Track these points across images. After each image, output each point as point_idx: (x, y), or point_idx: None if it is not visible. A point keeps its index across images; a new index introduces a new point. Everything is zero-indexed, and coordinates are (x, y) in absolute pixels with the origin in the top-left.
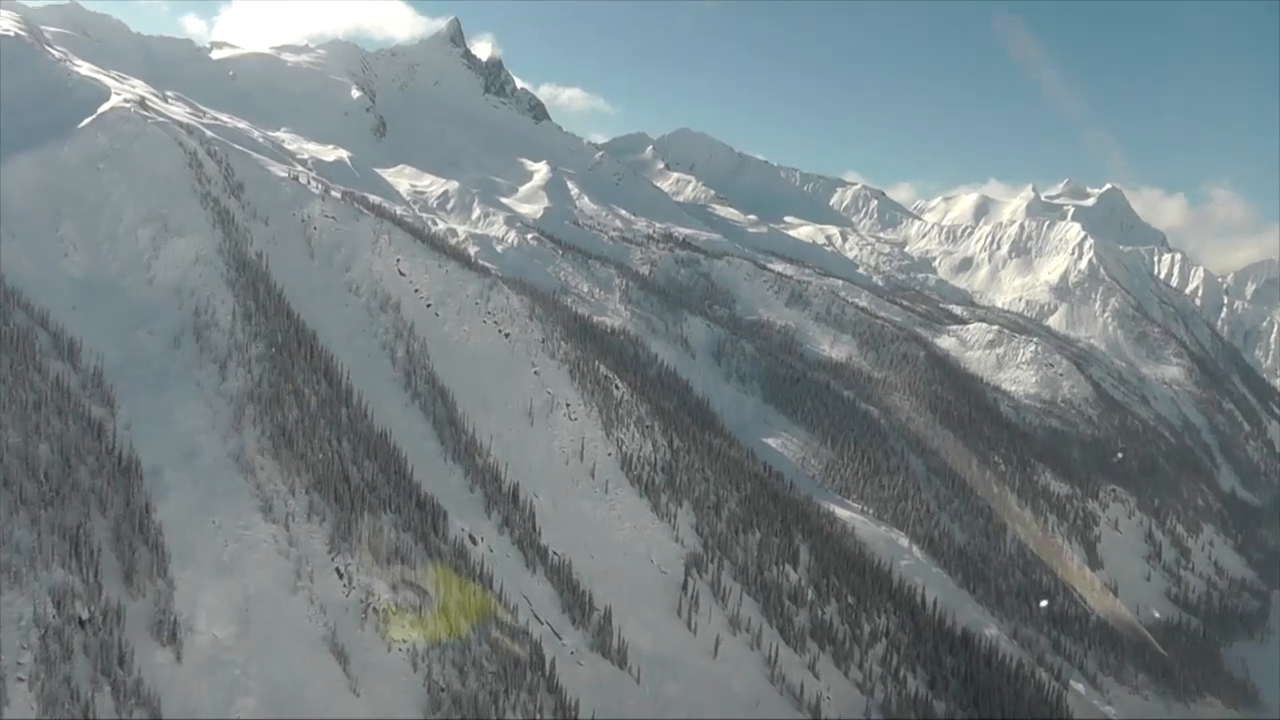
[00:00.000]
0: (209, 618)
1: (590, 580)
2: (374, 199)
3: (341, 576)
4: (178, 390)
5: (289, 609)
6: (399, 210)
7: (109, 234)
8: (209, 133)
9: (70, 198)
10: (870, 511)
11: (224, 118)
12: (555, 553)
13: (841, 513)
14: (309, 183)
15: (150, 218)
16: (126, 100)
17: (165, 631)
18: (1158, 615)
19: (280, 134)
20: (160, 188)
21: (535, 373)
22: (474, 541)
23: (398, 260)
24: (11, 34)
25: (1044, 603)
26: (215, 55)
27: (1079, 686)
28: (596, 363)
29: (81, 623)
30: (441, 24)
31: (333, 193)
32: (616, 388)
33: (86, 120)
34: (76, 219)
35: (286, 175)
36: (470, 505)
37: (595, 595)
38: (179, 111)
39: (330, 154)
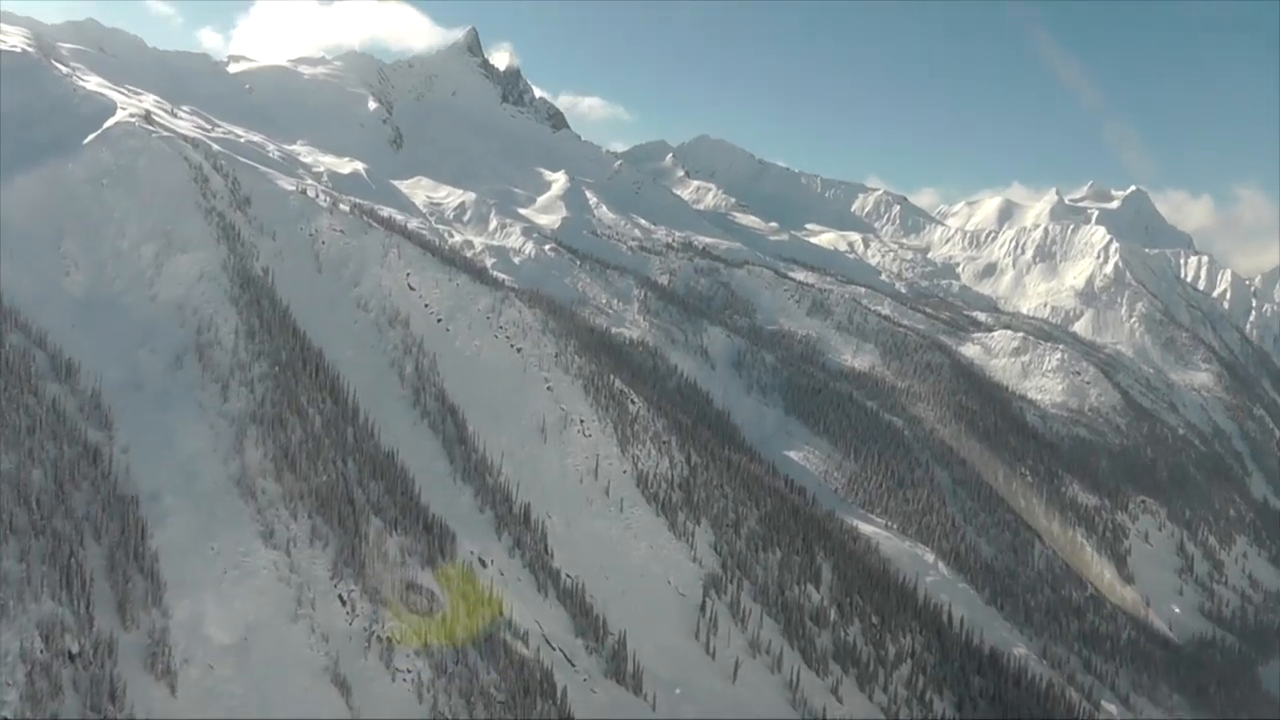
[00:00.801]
0: (206, 649)
1: (604, 603)
2: (389, 211)
3: (344, 604)
4: (178, 411)
5: (289, 638)
6: (415, 222)
7: (112, 251)
8: (216, 146)
9: (73, 214)
10: (894, 526)
11: (239, 131)
12: (568, 575)
13: (865, 528)
14: (317, 196)
15: (154, 234)
16: (132, 115)
17: (159, 664)
18: (1178, 610)
19: (296, 147)
20: (164, 203)
21: (548, 388)
22: (484, 564)
23: (407, 274)
24: (18, 49)
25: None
26: (232, 69)
27: (1111, 707)
28: (612, 377)
29: (71, 656)
30: (459, 34)
31: (341, 206)
32: (632, 402)
33: (91, 136)
34: (79, 236)
35: (294, 188)
36: (480, 526)
37: (609, 619)
38: (186, 125)
39: (346, 166)
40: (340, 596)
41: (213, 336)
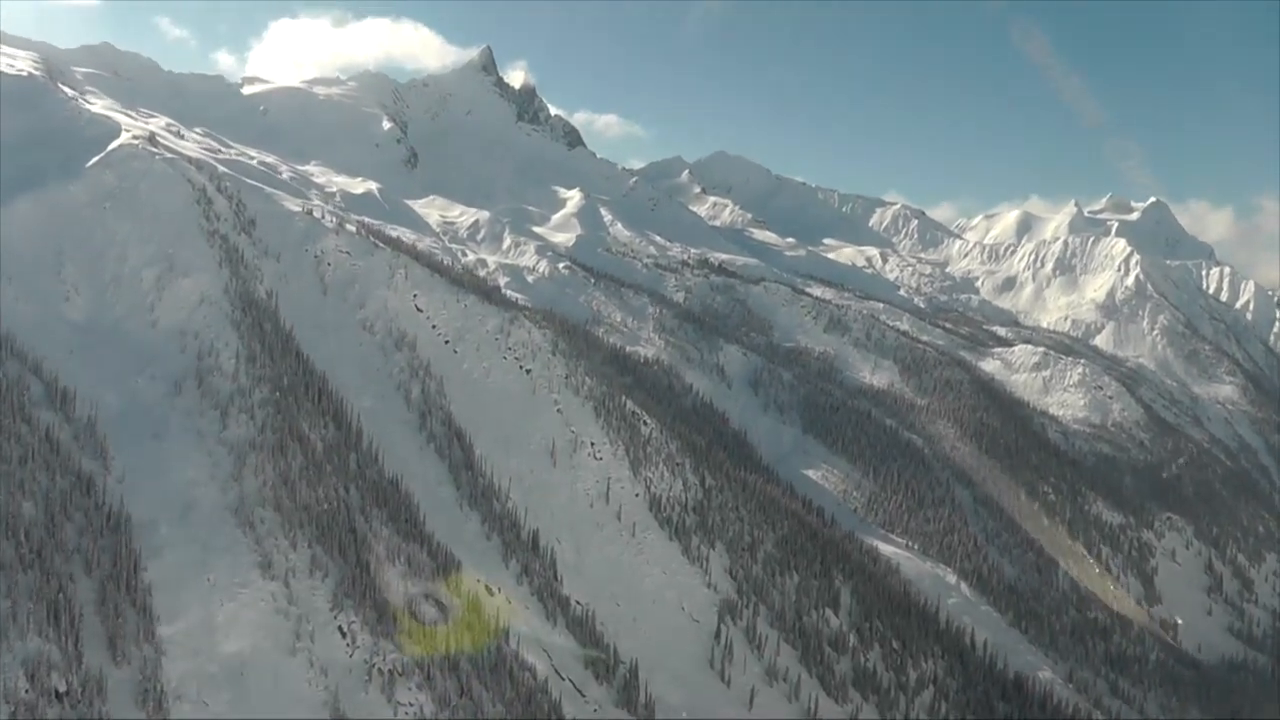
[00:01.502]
0: (200, 685)
1: (616, 632)
2: (402, 231)
3: (344, 636)
4: (177, 439)
5: (287, 672)
6: (429, 241)
7: (114, 275)
8: (221, 168)
9: (74, 239)
10: (915, 546)
11: (252, 152)
12: (578, 602)
13: (885, 548)
14: (323, 216)
15: (156, 258)
16: (136, 137)
17: (151, 701)
18: (1180, 622)
19: (310, 167)
20: (167, 226)
21: (558, 411)
22: (490, 592)
23: (414, 295)
24: (24, 73)
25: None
26: (246, 91)
27: None
28: (623, 398)
29: (58, 695)
30: (473, 53)
31: (348, 226)
32: (645, 424)
33: (94, 159)
34: (80, 261)
35: (300, 209)
36: (487, 554)
37: (621, 648)
38: (192, 147)
39: (360, 186)
40: (340, 628)
41: (213, 362)
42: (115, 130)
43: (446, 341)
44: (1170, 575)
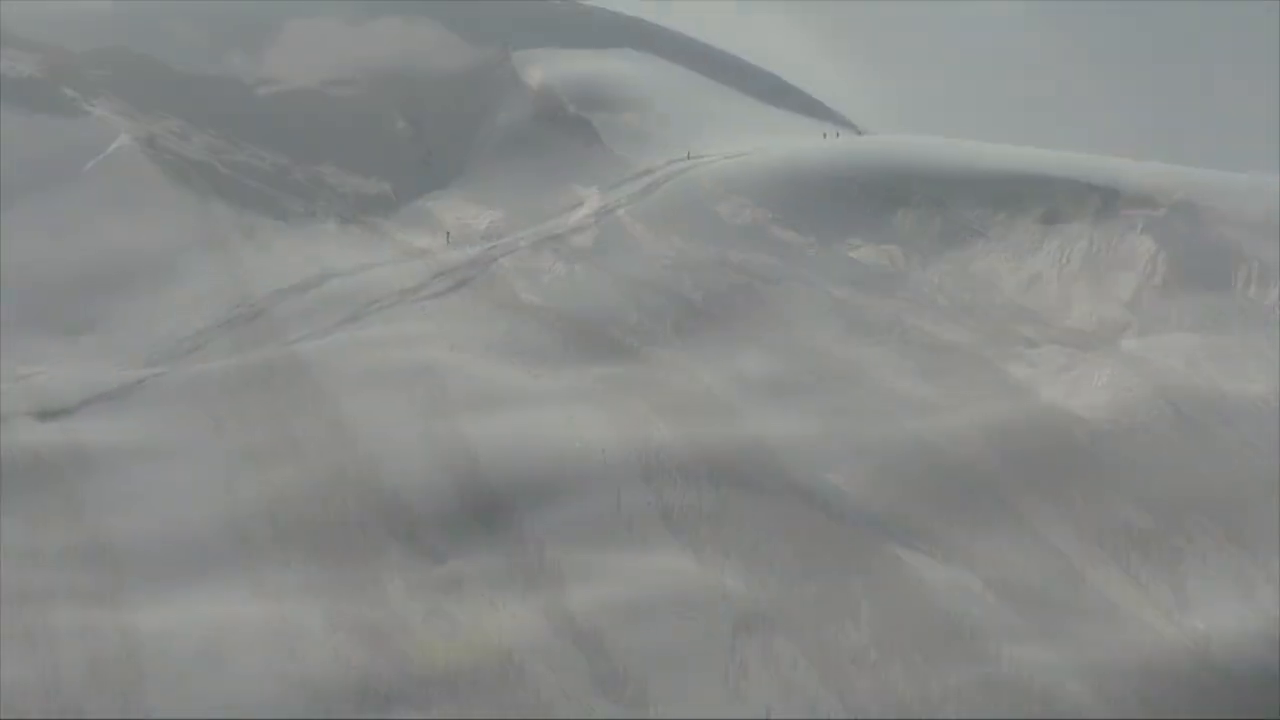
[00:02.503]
0: (185, 710)
1: (625, 648)
2: (415, 232)
3: (340, 659)
4: (168, 449)
5: (280, 697)
6: (441, 242)
7: (109, 280)
8: (225, 170)
9: (69, 243)
10: (939, 553)
11: (264, 154)
12: (586, 618)
13: (908, 555)
14: (326, 219)
15: (151, 263)
16: (135, 139)
17: None
18: (1202, 628)
19: (323, 168)
20: (164, 230)
21: (568, 416)
22: (495, 608)
23: (420, 300)
24: (25, 75)
25: None
26: (260, 92)
27: None
28: (638, 401)
29: None
30: (491, 51)
31: (352, 227)
32: (659, 429)
33: (91, 163)
34: (75, 265)
35: (303, 211)
36: (493, 566)
37: (630, 665)
38: (195, 149)
39: (373, 187)
40: (335, 650)
41: (208, 369)
42: (115, 133)
43: (452, 346)
44: (1203, 583)
